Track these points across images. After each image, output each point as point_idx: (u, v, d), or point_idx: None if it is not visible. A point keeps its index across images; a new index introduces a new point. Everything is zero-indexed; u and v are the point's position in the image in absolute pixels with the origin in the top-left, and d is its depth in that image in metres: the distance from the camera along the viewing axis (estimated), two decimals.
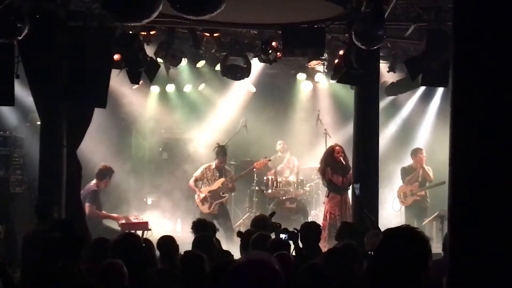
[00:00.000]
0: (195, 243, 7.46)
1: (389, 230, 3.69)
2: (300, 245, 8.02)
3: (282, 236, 7.83)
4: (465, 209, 4.03)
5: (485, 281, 3.89)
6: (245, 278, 2.84)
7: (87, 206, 11.95)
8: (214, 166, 14.03)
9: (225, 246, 8.34)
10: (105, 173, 12.64)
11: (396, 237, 3.55)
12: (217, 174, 13.99)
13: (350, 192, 11.80)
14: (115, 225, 12.23)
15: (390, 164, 15.04)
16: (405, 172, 14.44)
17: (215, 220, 13.65)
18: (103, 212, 12.52)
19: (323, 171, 12.50)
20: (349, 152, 11.94)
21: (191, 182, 14.10)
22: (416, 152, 14.38)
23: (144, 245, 6.89)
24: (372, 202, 10.88)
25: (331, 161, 12.38)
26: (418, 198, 14.16)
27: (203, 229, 8.11)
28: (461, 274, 4.04)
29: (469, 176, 4.02)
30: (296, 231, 8.06)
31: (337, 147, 12.52)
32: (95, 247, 7.01)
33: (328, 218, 12.13)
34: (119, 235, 8.09)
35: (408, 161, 14.73)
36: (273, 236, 7.92)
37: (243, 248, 7.91)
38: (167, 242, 7.39)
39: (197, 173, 14.10)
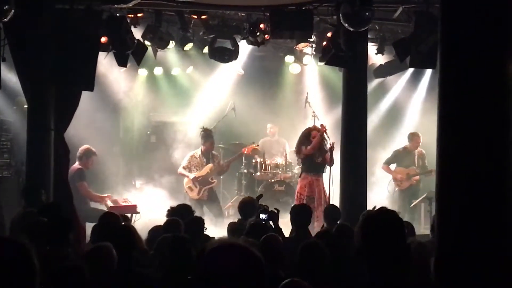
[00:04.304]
0: (184, 226, 7.47)
1: (366, 213, 3.70)
2: (290, 227, 8.03)
3: (262, 216, 7.79)
4: (453, 190, 4.04)
5: (471, 263, 3.91)
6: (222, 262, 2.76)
7: (80, 185, 11.91)
8: (200, 153, 13.95)
9: (214, 230, 8.34)
10: (82, 155, 12.48)
11: (372, 220, 3.55)
12: (204, 160, 13.92)
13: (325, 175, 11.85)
14: (102, 208, 12.19)
15: (379, 146, 15.05)
16: (399, 154, 14.34)
17: (204, 205, 13.67)
18: (97, 194, 12.53)
19: (298, 149, 12.47)
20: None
21: (180, 170, 14.04)
22: (413, 136, 14.26)
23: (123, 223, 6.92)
24: (360, 184, 10.93)
25: (305, 141, 12.34)
26: (414, 182, 14.11)
27: (178, 215, 7.98)
28: (448, 256, 4.05)
29: (456, 158, 4.03)
30: (276, 211, 8.05)
31: (313, 132, 12.42)
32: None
33: (297, 198, 12.13)
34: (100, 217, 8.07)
35: (397, 144, 14.75)
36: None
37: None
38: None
39: (184, 163, 14.00)
